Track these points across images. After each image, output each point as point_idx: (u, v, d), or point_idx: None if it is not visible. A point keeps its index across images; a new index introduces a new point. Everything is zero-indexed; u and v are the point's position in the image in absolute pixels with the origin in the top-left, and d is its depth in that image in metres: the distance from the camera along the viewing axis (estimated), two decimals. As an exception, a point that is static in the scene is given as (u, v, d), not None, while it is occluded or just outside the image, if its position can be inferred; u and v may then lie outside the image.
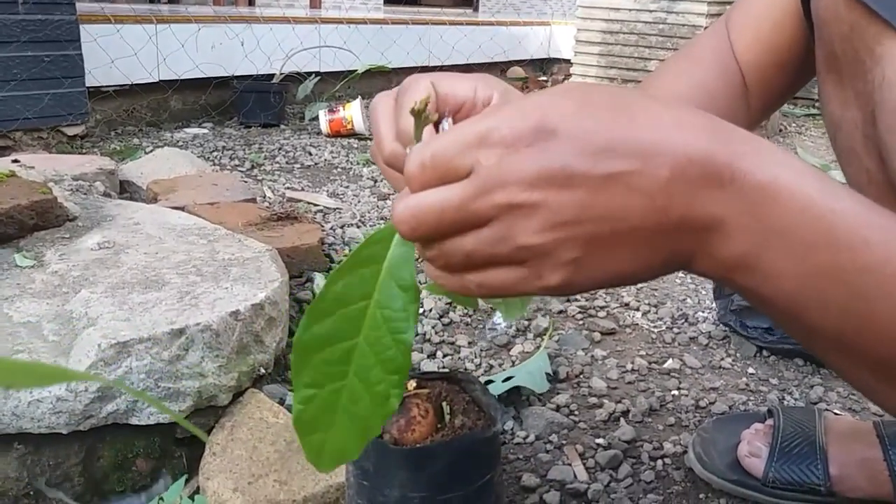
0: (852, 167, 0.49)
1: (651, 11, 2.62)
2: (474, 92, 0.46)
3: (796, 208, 0.33)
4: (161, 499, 0.78)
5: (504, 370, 1.07)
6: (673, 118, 0.34)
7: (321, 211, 1.74)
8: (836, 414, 0.99)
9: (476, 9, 6.86)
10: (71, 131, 2.17)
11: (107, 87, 2.38)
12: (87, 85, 2.19)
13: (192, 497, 0.78)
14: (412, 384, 0.67)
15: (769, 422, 0.85)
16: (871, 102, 0.44)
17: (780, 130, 2.99)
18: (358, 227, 1.63)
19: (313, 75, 2.79)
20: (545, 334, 1.19)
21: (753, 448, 0.82)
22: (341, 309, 0.40)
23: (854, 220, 0.33)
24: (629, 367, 1.10)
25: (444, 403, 0.66)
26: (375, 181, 2.05)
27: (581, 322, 1.25)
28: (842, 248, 0.32)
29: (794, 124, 3.18)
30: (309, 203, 1.78)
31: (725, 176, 0.33)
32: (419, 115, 0.40)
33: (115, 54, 2.36)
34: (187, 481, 0.82)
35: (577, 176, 0.32)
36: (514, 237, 0.34)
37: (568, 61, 3.17)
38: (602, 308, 1.29)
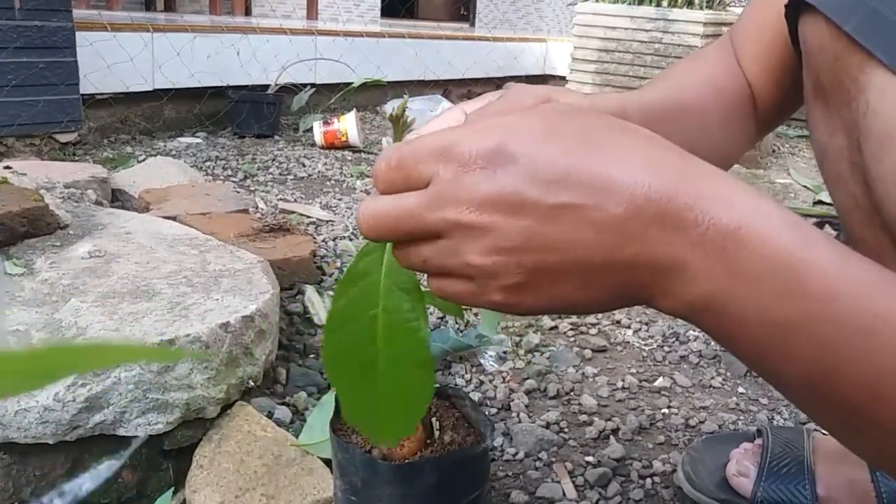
0: (839, 192, 0.50)
1: (647, 31, 2.65)
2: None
3: (766, 255, 0.32)
4: (146, 511, 0.77)
5: (496, 387, 1.07)
6: (641, 154, 0.33)
7: (314, 223, 1.74)
8: (824, 434, 0.99)
9: (472, 24, 6.90)
10: (64, 138, 2.16)
11: (101, 94, 2.38)
12: (82, 92, 2.19)
13: (177, 510, 0.78)
14: (402, 399, 0.67)
15: (758, 441, 0.85)
16: (857, 130, 0.44)
17: (774, 151, 3.01)
18: (350, 239, 1.63)
19: (309, 87, 2.80)
20: (536, 350, 1.19)
21: (742, 467, 0.82)
22: (350, 325, 0.42)
23: (827, 272, 0.32)
24: (620, 384, 1.10)
25: (433, 419, 0.66)
26: (369, 194, 2.05)
27: (572, 339, 1.25)
28: (812, 299, 0.31)
29: (787, 145, 3.21)
30: (302, 215, 1.78)
31: (689, 218, 0.32)
32: (397, 120, 0.42)
33: (110, 61, 2.36)
34: (174, 494, 0.82)
35: (528, 203, 0.32)
36: (462, 254, 0.34)
37: (563, 78, 3.19)
38: (593, 325, 1.30)
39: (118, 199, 1.68)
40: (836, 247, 0.33)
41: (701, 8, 2.74)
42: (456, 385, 1.08)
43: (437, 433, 0.65)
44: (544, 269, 0.33)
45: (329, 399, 0.87)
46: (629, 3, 2.75)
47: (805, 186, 2.46)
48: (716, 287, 0.32)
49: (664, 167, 0.33)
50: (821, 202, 2.26)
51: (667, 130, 0.56)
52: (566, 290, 0.34)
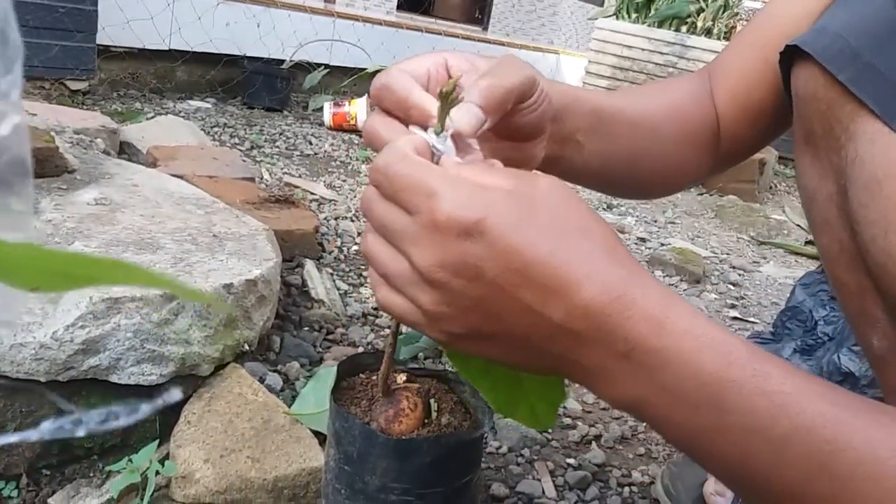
0: (825, 237, 0.52)
1: (663, 54, 2.67)
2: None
3: (687, 375, 0.35)
4: (130, 460, 0.77)
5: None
6: (594, 264, 0.36)
7: (317, 200, 1.74)
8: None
9: (486, 28, 6.91)
10: (74, 86, 2.15)
11: (117, 47, 2.36)
12: (98, 42, 2.17)
13: (161, 462, 0.77)
14: (402, 377, 0.68)
15: (739, 464, 0.86)
16: (844, 177, 0.46)
17: (771, 188, 3.04)
18: (352, 220, 1.63)
19: (323, 67, 2.79)
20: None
21: (720, 487, 0.83)
22: None
23: (743, 389, 0.35)
24: (605, 394, 1.11)
25: (432, 400, 0.66)
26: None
27: (562, 344, 1.26)
28: (728, 412, 0.34)
29: (784, 184, 3.24)
30: (306, 191, 1.78)
31: (618, 336, 0.35)
32: (447, 97, 0.38)
33: (130, 15, 2.35)
34: (158, 446, 0.82)
35: (486, 278, 0.35)
36: (417, 290, 0.37)
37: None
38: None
39: (125, 151, 1.67)
40: (757, 362, 0.35)
41: (718, 38, 2.77)
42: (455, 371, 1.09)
43: (434, 414, 0.65)
44: (486, 330, 0.37)
45: (326, 373, 0.87)
46: (649, 25, 2.77)
47: (799, 225, 2.49)
48: (639, 393, 0.36)
49: (610, 283, 0.35)
50: (811, 242, 2.29)
51: (616, 131, 0.59)
52: (503, 351, 0.38)
